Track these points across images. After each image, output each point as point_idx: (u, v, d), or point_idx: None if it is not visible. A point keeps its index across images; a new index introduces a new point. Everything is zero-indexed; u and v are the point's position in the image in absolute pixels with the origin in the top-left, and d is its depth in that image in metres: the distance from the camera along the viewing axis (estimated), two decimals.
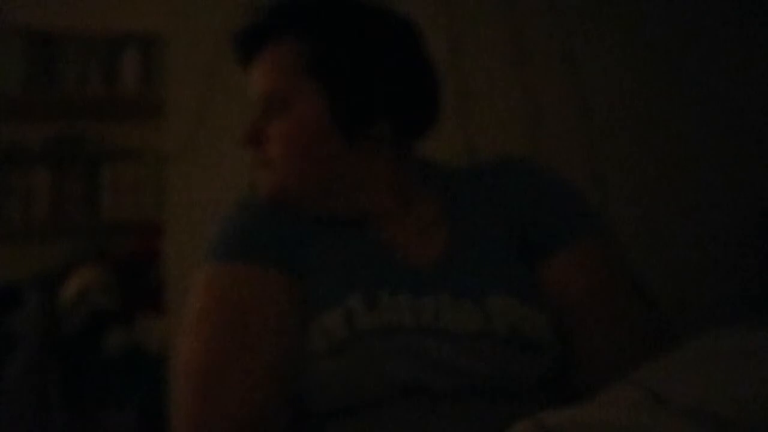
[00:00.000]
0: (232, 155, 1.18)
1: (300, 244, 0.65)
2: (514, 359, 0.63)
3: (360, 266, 0.65)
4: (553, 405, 0.64)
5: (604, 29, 1.24)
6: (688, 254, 1.11)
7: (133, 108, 2.00)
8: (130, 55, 1.98)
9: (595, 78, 1.22)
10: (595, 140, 1.19)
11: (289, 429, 0.61)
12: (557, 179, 0.73)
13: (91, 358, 1.61)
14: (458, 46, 1.23)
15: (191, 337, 0.60)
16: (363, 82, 0.65)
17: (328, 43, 0.65)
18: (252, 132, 0.68)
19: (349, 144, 0.66)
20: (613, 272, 0.70)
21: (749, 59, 1.22)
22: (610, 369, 0.58)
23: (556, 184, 0.72)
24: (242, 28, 0.69)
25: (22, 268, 1.82)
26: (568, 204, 0.71)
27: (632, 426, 0.41)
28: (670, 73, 1.22)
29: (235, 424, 0.56)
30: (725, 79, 1.21)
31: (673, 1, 1.25)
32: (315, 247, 0.66)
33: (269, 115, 0.67)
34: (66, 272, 1.76)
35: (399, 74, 0.67)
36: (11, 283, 1.74)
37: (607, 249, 0.70)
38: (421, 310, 0.62)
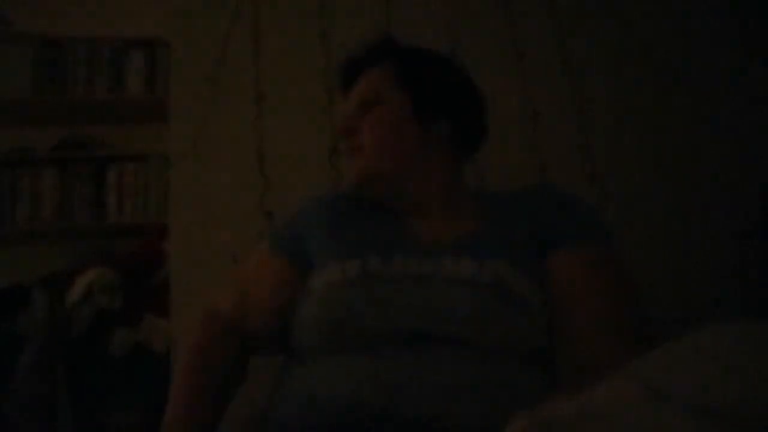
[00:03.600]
0: (236, 157, 1.19)
1: (318, 236, 0.84)
2: (498, 308, 0.69)
3: (386, 240, 0.80)
4: (533, 375, 0.67)
5: (603, 29, 1.25)
6: (688, 254, 1.11)
7: (138, 111, 2.02)
8: (135, 59, 2.00)
9: (595, 78, 1.22)
10: (595, 140, 1.20)
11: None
12: (580, 200, 0.84)
13: (96, 359, 1.62)
14: (458, 46, 1.24)
15: (241, 269, 0.91)
16: (430, 91, 0.86)
17: (407, 65, 0.87)
18: (348, 124, 0.85)
19: (421, 135, 0.84)
20: (607, 276, 0.76)
21: (749, 59, 1.22)
22: (586, 359, 0.68)
23: (576, 202, 0.83)
24: (346, 60, 0.91)
25: (29, 269, 1.83)
26: (581, 216, 0.80)
27: (631, 420, 0.41)
28: (670, 73, 1.22)
29: (245, 305, 0.85)
30: (725, 79, 1.21)
31: (672, 2, 1.25)
32: (347, 226, 0.84)
33: (363, 112, 0.85)
34: (72, 273, 1.78)
35: (454, 89, 0.88)
36: (18, 284, 1.76)
37: (608, 258, 0.77)
38: (425, 265, 0.74)
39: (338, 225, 0.84)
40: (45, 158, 1.98)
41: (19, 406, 1.57)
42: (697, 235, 1.13)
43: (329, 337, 0.72)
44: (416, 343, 0.67)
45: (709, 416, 0.41)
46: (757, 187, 1.15)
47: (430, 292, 0.71)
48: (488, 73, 1.23)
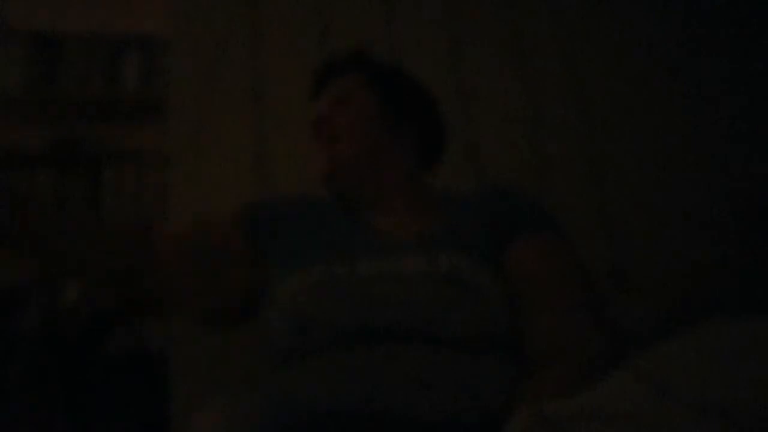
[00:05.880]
0: (233, 156, 1.18)
1: (284, 237, 0.87)
2: (453, 298, 0.73)
3: (348, 241, 0.83)
4: (499, 365, 0.69)
5: (604, 29, 1.25)
6: (688, 252, 1.12)
7: (134, 109, 2.01)
8: (131, 56, 1.99)
9: (595, 78, 1.23)
10: (595, 140, 1.20)
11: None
12: (531, 197, 0.90)
13: (92, 360, 1.61)
14: (458, 46, 1.24)
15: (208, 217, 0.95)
16: (396, 96, 0.94)
17: (377, 73, 0.95)
18: (323, 113, 0.91)
19: (387, 133, 0.91)
20: (561, 261, 0.80)
21: (749, 58, 1.22)
22: (548, 340, 0.71)
23: (528, 199, 0.88)
24: (322, 65, 0.98)
25: (23, 269, 1.82)
26: (534, 211, 0.85)
27: (633, 417, 0.41)
28: (670, 73, 1.22)
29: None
30: (725, 79, 1.22)
31: (672, 1, 1.25)
32: (312, 230, 0.87)
33: (337, 108, 0.91)
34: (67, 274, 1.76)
35: (417, 100, 0.96)
36: (13, 285, 1.75)
37: (560, 245, 0.82)
38: (386, 263, 0.78)
39: (303, 230, 0.87)
40: (39, 157, 1.97)
41: (12, 408, 1.55)
42: (698, 234, 1.13)
43: (299, 341, 0.74)
44: (384, 340, 0.69)
45: (709, 412, 0.41)
46: (757, 186, 1.15)
47: (391, 289, 0.74)
48: (489, 73, 1.24)
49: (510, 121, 1.20)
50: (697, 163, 1.18)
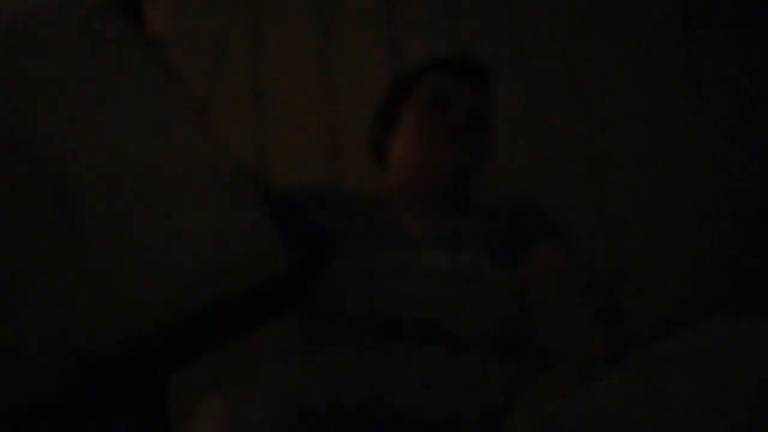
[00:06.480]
0: (233, 156, 1.18)
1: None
2: (467, 293, 0.74)
3: (372, 236, 0.84)
4: (506, 366, 0.70)
5: (604, 29, 1.25)
6: (689, 252, 1.12)
7: None
8: None
9: (595, 78, 1.23)
10: (595, 140, 1.20)
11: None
12: (538, 204, 0.93)
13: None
14: (458, 46, 1.24)
15: None
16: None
17: (491, 100, 0.98)
18: (466, 120, 0.92)
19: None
20: (563, 263, 0.83)
21: (749, 58, 1.22)
22: (549, 341, 0.73)
23: (543, 211, 0.91)
24: (473, 59, 1.00)
25: None
26: (545, 222, 0.89)
27: (632, 416, 0.41)
28: (670, 73, 1.22)
29: None
30: (725, 79, 1.22)
31: (672, 1, 1.25)
32: (336, 223, 0.86)
33: (478, 123, 0.93)
34: None
35: None
36: None
37: (563, 248, 0.86)
38: (406, 259, 0.79)
39: (328, 221, 0.86)
40: None
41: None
42: (698, 234, 1.13)
43: (312, 332, 0.75)
44: (395, 335, 0.70)
45: (710, 413, 0.41)
46: (757, 186, 1.15)
47: (407, 283, 0.75)
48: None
49: (510, 121, 1.20)
50: (697, 163, 1.17)
